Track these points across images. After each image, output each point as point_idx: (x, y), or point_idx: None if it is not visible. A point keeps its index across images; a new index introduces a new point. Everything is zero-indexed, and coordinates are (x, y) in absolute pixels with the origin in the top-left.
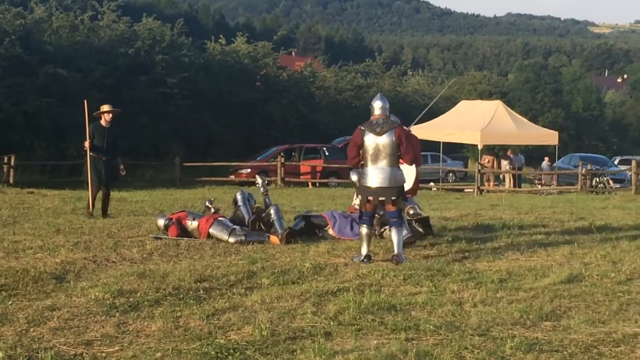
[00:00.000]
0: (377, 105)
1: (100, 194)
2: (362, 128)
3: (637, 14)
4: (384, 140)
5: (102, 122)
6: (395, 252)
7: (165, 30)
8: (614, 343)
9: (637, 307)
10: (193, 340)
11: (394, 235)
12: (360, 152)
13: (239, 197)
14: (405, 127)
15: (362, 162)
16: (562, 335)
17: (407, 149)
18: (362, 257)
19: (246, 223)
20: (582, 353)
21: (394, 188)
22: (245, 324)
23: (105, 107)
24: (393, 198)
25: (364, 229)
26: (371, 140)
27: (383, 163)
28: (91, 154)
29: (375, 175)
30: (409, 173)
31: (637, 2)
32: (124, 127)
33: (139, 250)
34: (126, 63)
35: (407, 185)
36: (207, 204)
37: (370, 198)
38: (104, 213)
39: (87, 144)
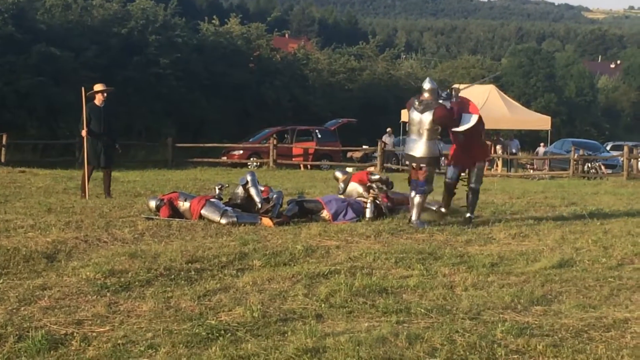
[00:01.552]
0: (425, 87)
1: (94, 175)
2: (410, 103)
3: None
4: (425, 117)
5: (97, 102)
6: (413, 218)
7: (159, 11)
8: (604, 328)
9: (628, 293)
10: (184, 320)
11: (415, 200)
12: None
13: (249, 177)
14: (450, 103)
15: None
16: (553, 319)
17: (450, 124)
18: (416, 222)
19: (258, 204)
20: (573, 338)
21: (424, 158)
22: (237, 305)
23: (98, 87)
24: (422, 165)
25: (416, 198)
26: (415, 116)
27: (420, 135)
28: (89, 137)
29: (410, 145)
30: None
31: None
32: (116, 107)
33: (130, 231)
34: (119, 43)
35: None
36: (217, 187)
37: (407, 163)
38: (107, 193)
39: (84, 132)
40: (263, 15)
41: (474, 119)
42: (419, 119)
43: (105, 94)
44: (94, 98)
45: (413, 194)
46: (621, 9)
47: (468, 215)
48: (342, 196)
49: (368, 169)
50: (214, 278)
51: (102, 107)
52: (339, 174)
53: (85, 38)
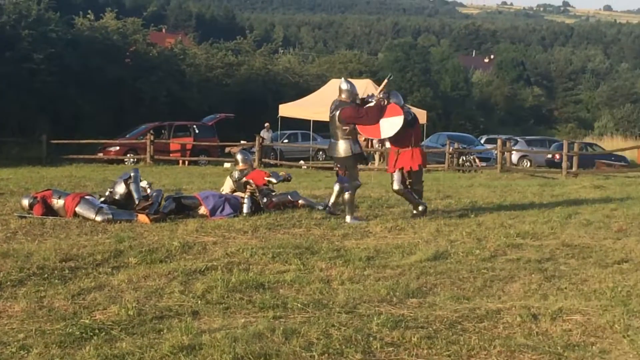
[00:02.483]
0: (341, 88)
1: None
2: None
3: None
4: (333, 117)
5: None
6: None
7: (32, 5)
8: (477, 319)
9: (501, 284)
10: (57, 320)
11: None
12: None
13: (132, 173)
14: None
15: None
16: (428, 311)
17: (358, 124)
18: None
19: (136, 200)
20: (447, 329)
21: (339, 158)
22: (112, 303)
23: None
24: (338, 165)
25: (345, 195)
26: (329, 117)
27: (334, 136)
28: None
29: (329, 147)
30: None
31: None
32: None
33: (2, 229)
34: None
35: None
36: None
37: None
38: None
39: None
40: (139, 9)
41: (390, 126)
42: (330, 119)
43: None
44: None
45: (337, 185)
46: (494, 4)
47: (420, 208)
48: (225, 191)
49: (266, 172)
50: (88, 276)
51: None
52: (240, 157)
53: None
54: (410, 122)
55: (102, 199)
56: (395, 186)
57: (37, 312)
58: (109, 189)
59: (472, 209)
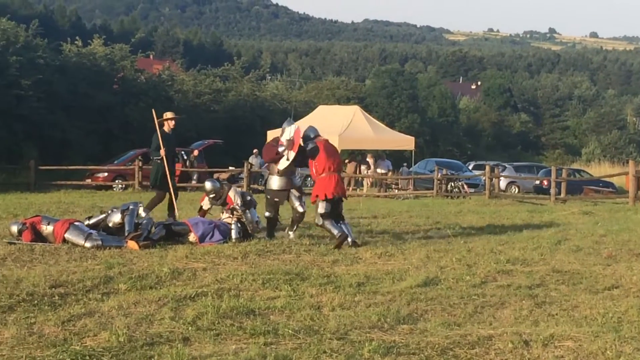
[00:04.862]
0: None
1: None
2: None
3: (490, 22)
4: None
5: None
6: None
7: (20, 31)
8: (469, 345)
9: (491, 310)
10: (48, 347)
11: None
12: None
13: (131, 206)
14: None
15: None
16: (419, 338)
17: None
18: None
19: (126, 232)
20: (438, 355)
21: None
22: (102, 329)
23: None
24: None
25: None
26: None
27: None
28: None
29: None
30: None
31: (489, 11)
32: None
33: None
34: None
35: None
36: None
37: None
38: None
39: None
40: (127, 36)
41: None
42: None
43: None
44: (164, 124)
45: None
46: (481, 31)
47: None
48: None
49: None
50: (78, 303)
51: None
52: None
53: None
54: (309, 152)
55: (92, 221)
56: (318, 220)
57: (27, 339)
58: (100, 215)
59: (461, 235)
